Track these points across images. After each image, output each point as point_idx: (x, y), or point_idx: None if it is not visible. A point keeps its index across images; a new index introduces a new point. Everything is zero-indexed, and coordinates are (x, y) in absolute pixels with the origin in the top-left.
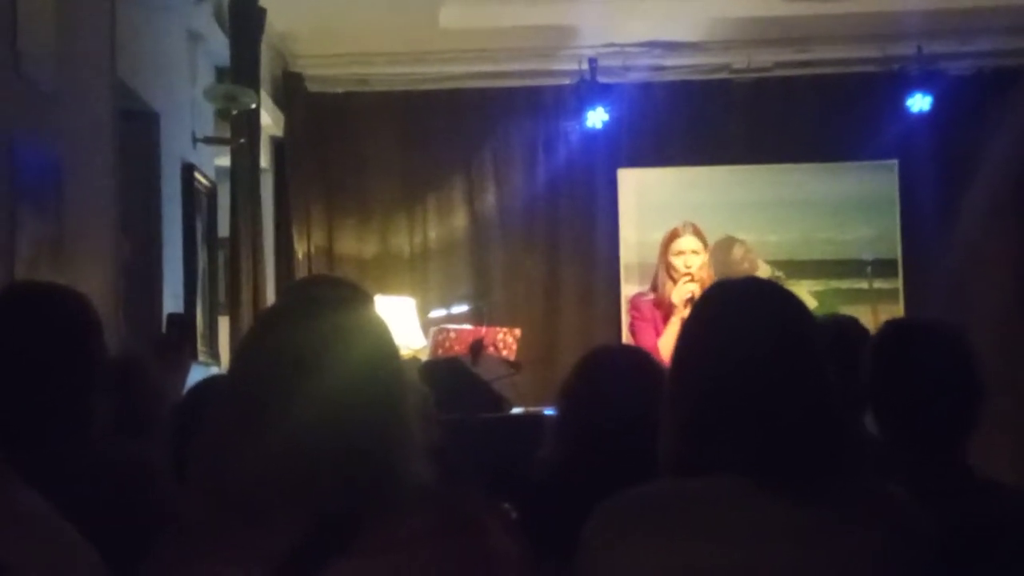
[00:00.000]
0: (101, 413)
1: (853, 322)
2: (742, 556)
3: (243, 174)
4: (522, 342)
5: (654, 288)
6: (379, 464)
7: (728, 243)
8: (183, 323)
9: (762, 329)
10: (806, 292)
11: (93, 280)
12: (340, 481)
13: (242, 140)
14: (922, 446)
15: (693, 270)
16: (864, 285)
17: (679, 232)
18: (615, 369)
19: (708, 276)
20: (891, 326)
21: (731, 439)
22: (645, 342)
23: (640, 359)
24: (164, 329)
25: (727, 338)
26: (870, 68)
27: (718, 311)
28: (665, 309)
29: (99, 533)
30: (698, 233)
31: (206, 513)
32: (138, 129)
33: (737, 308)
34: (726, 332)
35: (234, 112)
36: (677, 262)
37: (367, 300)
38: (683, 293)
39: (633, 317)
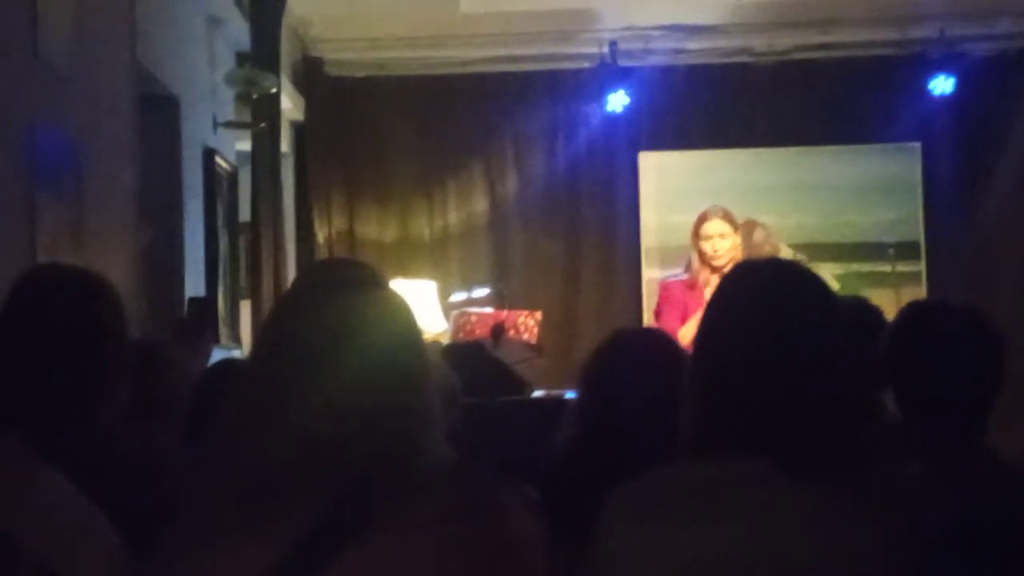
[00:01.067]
0: (120, 396)
1: (866, 303)
2: (760, 538)
3: (264, 158)
4: (543, 325)
5: (687, 270)
6: (400, 445)
7: (750, 226)
8: (204, 306)
9: (785, 310)
10: (828, 275)
11: (113, 264)
12: (360, 462)
13: (263, 124)
14: (942, 428)
15: (720, 254)
16: (887, 268)
17: (708, 216)
18: (635, 352)
19: (739, 258)
20: (912, 308)
21: (751, 420)
22: (668, 326)
23: (660, 342)
24: (185, 313)
25: (749, 319)
26: (892, 51)
27: (741, 292)
28: (698, 292)
29: (113, 515)
30: (728, 217)
31: (224, 493)
32: (158, 114)
33: (760, 289)
34: (749, 313)
35: (254, 96)
36: (705, 246)
37: (385, 282)
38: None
39: (660, 299)
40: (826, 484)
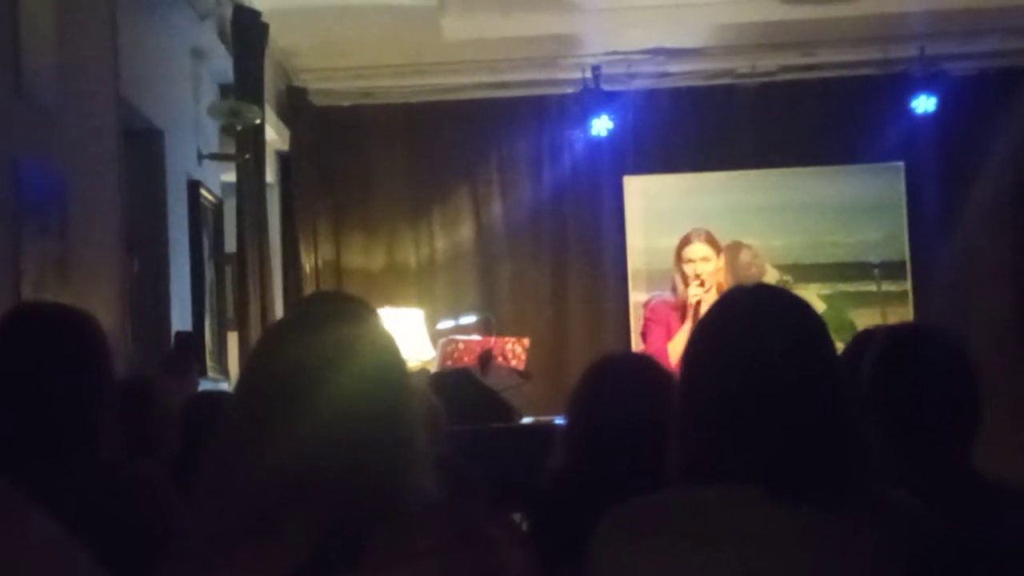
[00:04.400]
0: (108, 432)
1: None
2: (749, 562)
3: (249, 190)
4: (531, 351)
5: (673, 291)
6: (386, 478)
7: (735, 248)
8: (190, 341)
9: (773, 337)
10: (815, 296)
11: (99, 298)
12: (347, 495)
13: (247, 156)
14: (924, 452)
15: (703, 277)
16: (872, 288)
17: (691, 239)
18: (621, 376)
19: (723, 281)
20: (891, 332)
21: (741, 447)
22: (655, 345)
23: (646, 366)
24: (172, 348)
25: (738, 345)
26: (874, 71)
27: (729, 318)
28: (682, 311)
29: (105, 547)
30: (710, 240)
31: (214, 527)
32: (143, 147)
33: (748, 315)
34: (737, 339)
35: (239, 128)
36: (687, 269)
37: (372, 314)
38: (691, 296)
39: (646, 319)
40: (814, 509)
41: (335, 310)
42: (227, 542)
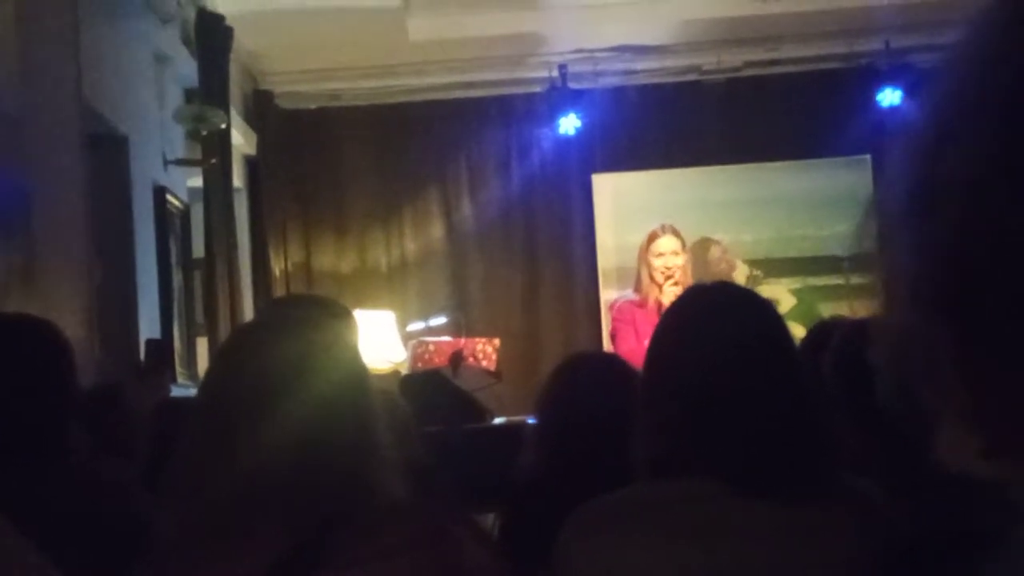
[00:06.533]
0: (76, 439)
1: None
2: (715, 556)
3: (216, 194)
4: (503, 351)
5: (636, 290)
6: (350, 481)
7: (705, 244)
8: (160, 348)
9: (734, 333)
10: (785, 290)
11: (66, 306)
12: (312, 499)
13: (213, 160)
14: (887, 443)
15: (673, 271)
16: (842, 281)
17: (658, 234)
18: (589, 376)
19: (687, 277)
20: (851, 324)
21: (705, 442)
22: (625, 346)
23: (614, 364)
24: (143, 355)
25: (700, 342)
26: (839, 64)
27: (690, 315)
28: (648, 310)
29: (77, 550)
30: (677, 234)
31: (182, 533)
32: (107, 153)
33: (709, 312)
34: (699, 337)
35: (204, 133)
36: (657, 263)
37: (339, 318)
38: (671, 297)
39: (614, 321)
40: (779, 502)
41: (297, 316)
42: (196, 545)
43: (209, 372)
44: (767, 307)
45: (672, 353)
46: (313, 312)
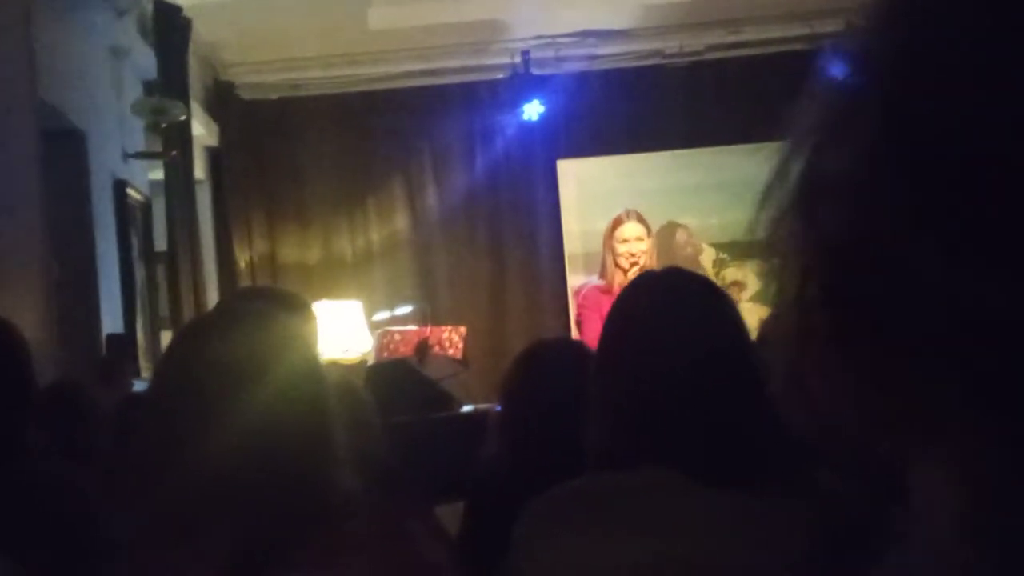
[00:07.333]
0: (33, 437)
1: None
2: (672, 547)
3: (177, 187)
4: (471, 339)
5: (602, 276)
6: (304, 479)
7: (671, 229)
8: (121, 343)
9: (684, 320)
10: (751, 273)
11: (23, 304)
12: (265, 498)
13: (174, 153)
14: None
15: (638, 257)
16: None
17: (623, 219)
18: (552, 363)
19: (652, 262)
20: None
21: (656, 431)
22: (591, 333)
23: (576, 351)
24: (104, 351)
25: (649, 329)
26: (801, 46)
27: (641, 303)
28: (613, 296)
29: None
30: (642, 220)
31: (133, 535)
32: (64, 148)
33: (659, 299)
34: (648, 323)
35: (164, 125)
36: (622, 249)
37: (295, 311)
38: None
39: (579, 308)
40: (738, 493)
41: (249, 311)
42: (151, 546)
43: (158, 368)
44: (716, 292)
45: (621, 341)
46: (268, 306)
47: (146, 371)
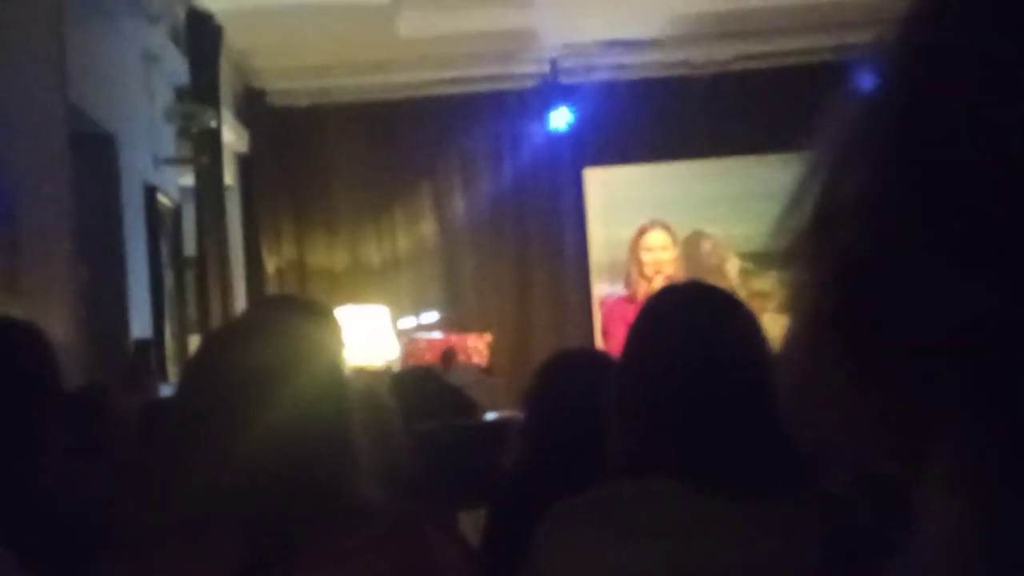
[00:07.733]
0: (57, 441)
1: None
2: (687, 554)
3: (207, 193)
4: (495, 346)
5: (626, 285)
6: (321, 483)
7: (696, 238)
8: (146, 348)
9: (708, 333)
10: (777, 284)
11: (52, 309)
12: (282, 500)
13: (204, 159)
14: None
15: (663, 266)
16: None
17: (648, 228)
18: (575, 373)
19: (677, 272)
20: None
21: (672, 441)
22: (616, 343)
23: (600, 361)
24: (132, 356)
25: (669, 343)
26: (829, 56)
27: (661, 315)
28: (638, 305)
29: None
30: (667, 229)
31: (147, 534)
32: (95, 153)
33: (679, 312)
34: (668, 337)
35: (195, 131)
36: (647, 258)
37: (318, 320)
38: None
39: (604, 318)
40: (751, 503)
41: (271, 320)
42: (166, 544)
43: (182, 376)
44: (736, 306)
45: (640, 353)
46: (291, 315)
47: (174, 376)
